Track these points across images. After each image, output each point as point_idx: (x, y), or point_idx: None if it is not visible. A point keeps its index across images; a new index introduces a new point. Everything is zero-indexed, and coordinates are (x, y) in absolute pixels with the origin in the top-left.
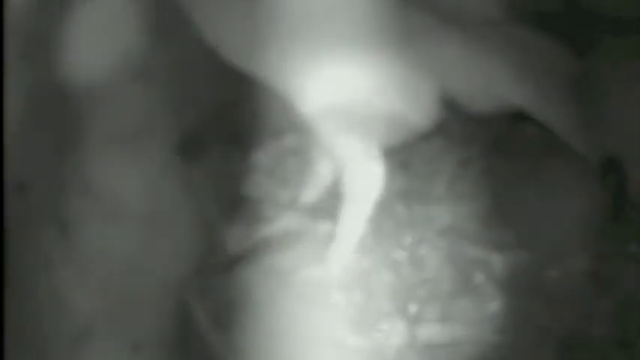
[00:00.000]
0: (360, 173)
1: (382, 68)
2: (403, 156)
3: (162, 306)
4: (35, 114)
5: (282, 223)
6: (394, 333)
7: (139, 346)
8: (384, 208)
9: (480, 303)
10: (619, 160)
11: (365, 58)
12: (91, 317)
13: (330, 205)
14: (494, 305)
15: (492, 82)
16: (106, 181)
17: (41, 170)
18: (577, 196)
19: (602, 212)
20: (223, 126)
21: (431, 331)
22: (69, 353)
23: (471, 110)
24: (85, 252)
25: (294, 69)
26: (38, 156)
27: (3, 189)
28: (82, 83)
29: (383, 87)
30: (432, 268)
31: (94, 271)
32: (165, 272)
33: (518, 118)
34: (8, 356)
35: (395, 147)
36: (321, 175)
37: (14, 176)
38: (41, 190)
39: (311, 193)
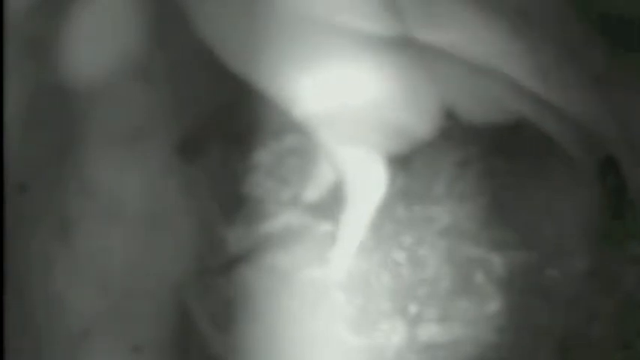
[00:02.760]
0: (362, 177)
1: (382, 73)
2: (403, 157)
3: (162, 306)
4: (35, 114)
5: (282, 222)
6: (394, 333)
7: (138, 346)
8: (384, 209)
9: (479, 303)
10: (619, 160)
11: (364, 63)
12: (91, 317)
13: (331, 205)
14: (494, 305)
15: (494, 89)
16: (106, 181)
17: (41, 170)
18: (577, 196)
19: (602, 212)
20: (223, 126)
21: (431, 331)
22: (69, 353)
23: (473, 118)
24: (85, 252)
25: (290, 73)
26: (38, 156)
27: (3, 189)
28: (82, 83)
29: (383, 92)
30: (432, 268)
31: (93, 271)
32: (165, 272)
33: (518, 119)
34: (8, 356)
35: (397, 154)
36: (323, 174)
37: (14, 176)
38: (41, 190)
39: (313, 192)
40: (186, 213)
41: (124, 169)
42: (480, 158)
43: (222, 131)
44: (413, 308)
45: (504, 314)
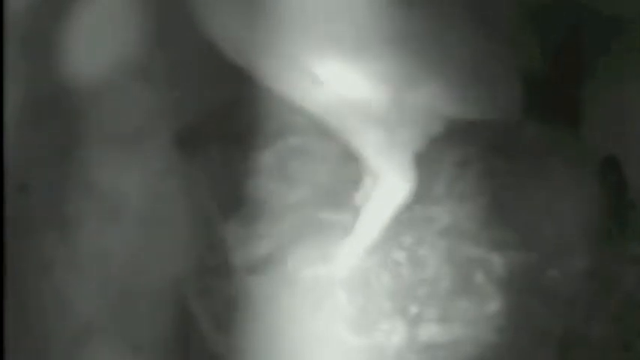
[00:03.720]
0: (388, 176)
1: (388, 67)
2: None
3: (162, 306)
4: (35, 114)
5: (283, 222)
6: (394, 333)
7: (139, 346)
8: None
9: (479, 303)
10: (619, 160)
11: (371, 57)
12: (91, 317)
13: (333, 204)
14: (494, 305)
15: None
16: (106, 181)
17: (41, 170)
18: (577, 196)
19: (602, 212)
20: (223, 126)
21: (431, 331)
22: (69, 353)
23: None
24: (85, 252)
25: (299, 66)
26: (38, 156)
27: (3, 189)
28: (82, 83)
29: (395, 84)
30: (432, 268)
31: (93, 271)
32: (165, 272)
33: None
34: (8, 356)
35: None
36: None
37: (14, 176)
38: (41, 190)
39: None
40: (186, 213)
41: (124, 169)
42: (480, 158)
43: (223, 131)
44: (413, 308)
45: (504, 314)
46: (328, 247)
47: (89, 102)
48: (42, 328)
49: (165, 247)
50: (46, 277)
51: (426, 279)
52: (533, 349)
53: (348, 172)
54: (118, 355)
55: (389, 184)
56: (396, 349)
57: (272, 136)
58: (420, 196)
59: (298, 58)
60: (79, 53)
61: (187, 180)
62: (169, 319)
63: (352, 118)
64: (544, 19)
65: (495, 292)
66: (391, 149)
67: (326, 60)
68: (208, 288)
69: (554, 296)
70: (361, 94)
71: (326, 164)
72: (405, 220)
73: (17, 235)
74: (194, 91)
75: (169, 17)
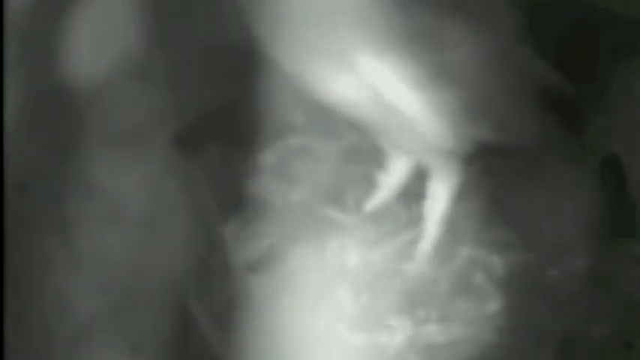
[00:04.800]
0: (440, 169)
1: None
2: None
3: (162, 306)
4: (35, 114)
5: (283, 221)
6: (394, 333)
7: (139, 346)
8: (383, 208)
9: (479, 303)
10: (618, 159)
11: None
12: (91, 317)
13: (333, 203)
14: (493, 305)
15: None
16: (106, 181)
17: (41, 170)
18: (577, 196)
19: (602, 212)
20: (223, 126)
21: (431, 331)
22: (69, 353)
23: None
24: (85, 252)
25: (328, 54)
26: (38, 156)
27: (3, 189)
28: (82, 83)
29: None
30: (432, 268)
31: (93, 271)
32: (165, 272)
33: None
34: (8, 356)
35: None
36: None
37: (14, 176)
38: (41, 190)
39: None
40: (186, 213)
41: (124, 169)
42: (480, 158)
43: (222, 131)
44: (413, 308)
45: (504, 314)
46: (325, 246)
47: (89, 102)
48: (42, 328)
49: (165, 247)
50: (46, 277)
51: (426, 279)
52: (533, 349)
53: (348, 171)
54: (118, 355)
55: (439, 180)
56: (396, 349)
57: (272, 136)
58: (419, 195)
59: (328, 47)
60: (79, 53)
61: (187, 180)
62: (169, 319)
63: (386, 113)
64: (544, 19)
65: (495, 292)
66: (436, 144)
67: (360, 52)
68: (208, 288)
69: (554, 296)
70: (398, 91)
71: (326, 164)
72: (404, 219)
73: (17, 234)
74: (194, 91)
75: (169, 17)
